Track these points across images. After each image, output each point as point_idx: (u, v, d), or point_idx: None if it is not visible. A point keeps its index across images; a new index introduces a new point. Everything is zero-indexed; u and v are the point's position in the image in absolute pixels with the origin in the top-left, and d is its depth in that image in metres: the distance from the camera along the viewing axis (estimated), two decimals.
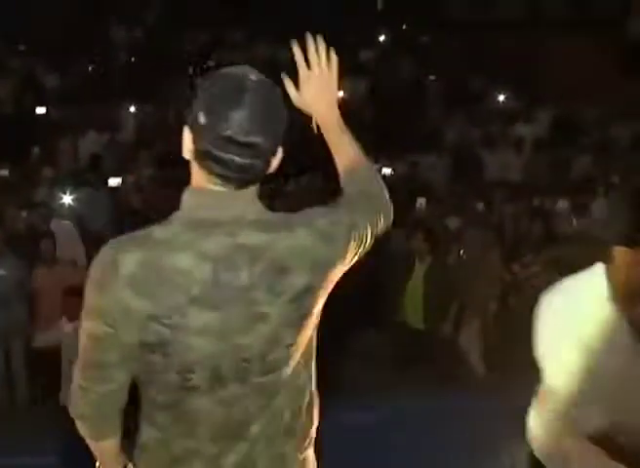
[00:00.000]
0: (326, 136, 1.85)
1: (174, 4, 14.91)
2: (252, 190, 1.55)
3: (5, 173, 8.12)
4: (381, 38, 15.55)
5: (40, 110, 10.34)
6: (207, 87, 1.52)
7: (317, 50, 1.83)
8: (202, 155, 1.50)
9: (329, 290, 1.62)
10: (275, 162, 1.56)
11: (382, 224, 1.75)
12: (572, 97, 11.28)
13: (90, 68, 12.51)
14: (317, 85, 1.83)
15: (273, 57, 14.13)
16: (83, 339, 1.57)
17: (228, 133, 1.47)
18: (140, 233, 1.53)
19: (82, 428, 1.64)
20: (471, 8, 15.42)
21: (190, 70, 13.34)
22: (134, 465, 1.66)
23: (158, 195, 7.56)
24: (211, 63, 14.10)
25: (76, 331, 4.75)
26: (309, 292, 1.55)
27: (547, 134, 10.79)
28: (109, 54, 13.44)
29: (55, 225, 6.41)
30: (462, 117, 10.98)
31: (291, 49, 1.82)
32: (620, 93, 11.21)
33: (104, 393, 1.57)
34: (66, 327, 5.23)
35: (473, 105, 11.50)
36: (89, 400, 1.59)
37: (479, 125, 10.61)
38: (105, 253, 1.53)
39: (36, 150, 9.03)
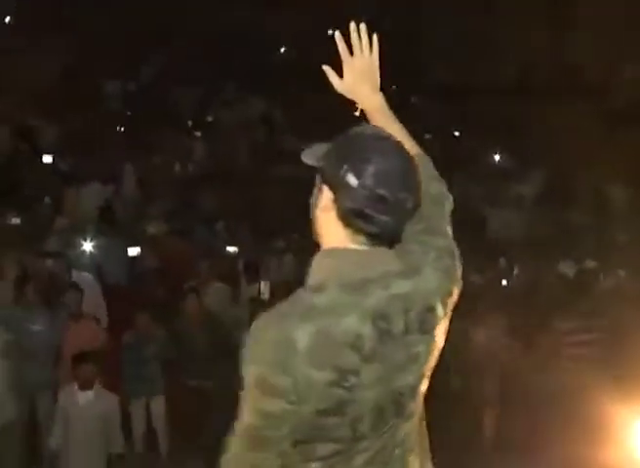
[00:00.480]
0: (372, 120, 1.83)
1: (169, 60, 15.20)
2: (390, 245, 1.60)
3: (17, 221, 8.05)
4: None
5: (46, 159, 10.36)
6: (348, 147, 1.55)
7: (359, 35, 1.83)
8: (351, 214, 1.52)
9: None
10: None
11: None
12: (561, 159, 11.74)
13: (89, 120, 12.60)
14: (360, 69, 1.84)
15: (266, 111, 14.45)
16: (253, 418, 1.53)
17: (382, 192, 1.49)
18: (296, 304, 1.53)
19: None
20: (458, 73, 15.98)
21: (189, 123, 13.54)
22: None
23: (174, 249, 7.61)
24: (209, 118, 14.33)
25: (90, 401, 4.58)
26: (442, 323, 1.64)
27: (542, 192, 11.13)
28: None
29: (76, 277, 6.37)
30: (459, 176, 11.27)
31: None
32: (605, 156, 11.68)
33: (267, 464, 1.56)
34: (80, 397, 4.94)
35: (469, 165, 11.82)
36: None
37: (478, 184, 10.90)
38: (273, 329, 1.51)
39: (46, 200, 9.00)
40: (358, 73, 1.84)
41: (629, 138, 12.02)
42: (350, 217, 1.53)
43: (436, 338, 1.64)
